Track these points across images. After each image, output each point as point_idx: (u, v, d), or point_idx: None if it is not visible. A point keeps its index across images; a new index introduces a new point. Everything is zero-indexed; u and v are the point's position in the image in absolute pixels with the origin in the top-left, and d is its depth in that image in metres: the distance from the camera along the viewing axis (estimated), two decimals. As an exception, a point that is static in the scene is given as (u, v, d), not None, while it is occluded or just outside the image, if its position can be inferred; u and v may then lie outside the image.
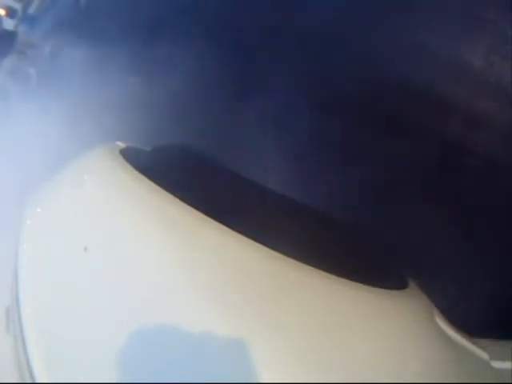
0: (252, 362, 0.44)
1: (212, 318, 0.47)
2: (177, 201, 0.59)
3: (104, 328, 0.49)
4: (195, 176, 0.66)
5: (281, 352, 0.46)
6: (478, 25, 1.04)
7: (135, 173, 0.65)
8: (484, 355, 0.69)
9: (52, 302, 0.55)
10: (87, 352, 0.49)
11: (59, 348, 0.51)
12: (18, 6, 5.19)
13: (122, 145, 0.83)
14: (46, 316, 0.54)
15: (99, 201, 0.62)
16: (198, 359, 0.45)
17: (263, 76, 1.64)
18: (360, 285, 0.57)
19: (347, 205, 1.00)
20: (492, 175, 1.00)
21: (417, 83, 1.15)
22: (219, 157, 0.85)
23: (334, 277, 0.56)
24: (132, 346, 0.48)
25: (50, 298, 0.55)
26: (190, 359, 0.46)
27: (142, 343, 0.48)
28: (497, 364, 0.68)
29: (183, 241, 0.55)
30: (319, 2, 1.49)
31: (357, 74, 1.26)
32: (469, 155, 1.04)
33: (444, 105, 1.08)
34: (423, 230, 1.04)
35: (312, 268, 0.55)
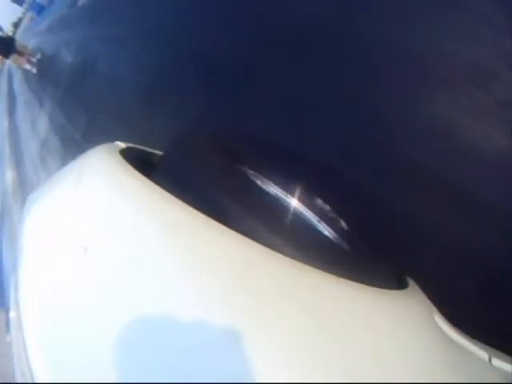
0: (250, 362, 0.44)
1: (212, 317, 0.47)
2: (177, 201, 0.59)
3: (105, 328, 0.49)
4: (195, 176, 0.66)
5: (279, 352, 0.46)
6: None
7: (135, 173, 0.65)
8: (484, 355, 0.69)
9: (52, 302, 0.55)
10: (88, 352, 0.49)
11: (59, 348, 0.51)
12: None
13: (122, 145, 0.83)
14: (46, 316, 0.54)
15: (99, 201, 0.62)
16: (199, 360, 0.45)
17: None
18: (360, 285, 0.57)
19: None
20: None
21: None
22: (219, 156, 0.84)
23: (333, 277, 0.55)
24: (133, 346, 0.48)
25: (50, 298, 0.55)
26: (191, 359, 0.46)
27: (144, 343, 0.48)
28: (497, 364, 0.68)
29: (184, 241, 0.55)
30: None
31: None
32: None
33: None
34: (423, 229, 1.05)
35: (311, 268, 0.55)
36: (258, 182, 0.77)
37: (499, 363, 0.68)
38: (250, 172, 0.81)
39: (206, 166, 0.73)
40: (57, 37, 7.30)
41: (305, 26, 1.57)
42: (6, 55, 7.44)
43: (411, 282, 0.75)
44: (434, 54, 1.13)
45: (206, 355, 0.45)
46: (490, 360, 0.68)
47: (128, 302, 0.50)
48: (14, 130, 7.41)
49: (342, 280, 0.56)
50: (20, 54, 7.46)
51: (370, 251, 0.69)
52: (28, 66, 7.58)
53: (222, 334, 0.45)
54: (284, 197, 0.74)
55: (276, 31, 1.73)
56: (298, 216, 0.67)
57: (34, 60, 7.57)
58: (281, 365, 0.45)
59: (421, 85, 1.15)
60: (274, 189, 0.75)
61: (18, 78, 10.20)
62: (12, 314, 0.58)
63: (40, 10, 11.89)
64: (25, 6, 14.87)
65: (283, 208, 0.69)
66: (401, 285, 0.70)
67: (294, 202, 0.76)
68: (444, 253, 0.99)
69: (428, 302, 0.71)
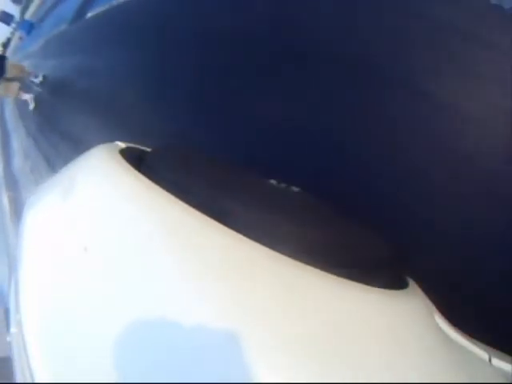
0: (250, 362, 0.44)
1: (211, 316, 0.47)
2: (177, 201, 0.59)
3: (104, 328, 0.49)
4: (195, 176, 0.66)
5: (279, 352, 0.46)
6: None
7: (135, 173, 0.65)
8: (484, 355, 0.69)
9: (52, 303, 0.55)
10: (87, 352, 0.49)
11: (59, 348, 0.51)
12: (14, 12, 4.49)
13: (122, 145, 0.83)
14: (46, 316, 0.54)
15: (99, 201, 0.62)
16: (200, 359, 0.45)
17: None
18: (360, 285, 0.57)
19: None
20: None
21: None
22: (219, 156, 0.84)
23: (333, 276, 0.56)
24: (133, 345, 0.48)
25: (50, 298, 0.55)
26: (191, 359, 0.46)
27: (143, 343, 0.48)
28: (497, 364, 0.68)
29: (183, 241, 0.55)
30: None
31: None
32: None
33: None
34: (424, 228, 1.05)
35: (312, 268, 0.55)
36: (257, 182, 0.77)
37: (499, 363, 0.68)
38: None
39: (205, 165, 0.73)
40: (60, 61, 5.32)
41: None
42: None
43: (411, 282, 0.75)
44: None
45: (206, 356, 0.45)
46: (489, 360, 0.68)
47: (127, 302, 0.50)
48: (13, 185, 4.92)
49: (343, 280, 0.56)
50: (12, 79, 4.89)
51: (370, 251, 0.69)
52: (26, 96, 5.31)
53: (221, 335, 0.45)
54: (284, 194, 0.74)
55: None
56: (298, 214, 0.67)
57: (36, 80, 5.38)
58: (280, 364, 0.45)
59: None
60: (272, 187, 0.75)
61: (10, 107, 7.63)
62: (12, 314, 0.58)
63: (30, 28, 11.06)
64: (13, 25, 14.01)
65: (284, 206, 0.69)
66: (401, 285, 0.70)
67: (296, 199, 0.76)
68: (444, 253, 1.00)
69: (428, 302, 0.71)
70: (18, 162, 5.38)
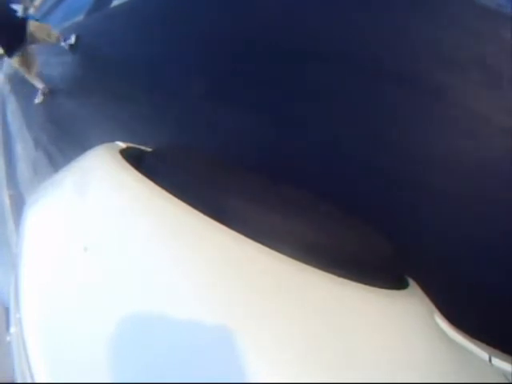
0: (249, 362, 0.44)
1: (210, 316, 0.47)
2: (177, 201, 0.59)
3: (104, 328, 0.49)
4: (195, 176, 0.66)
5: (279, 352, 0.46)
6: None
7: (135, 173, 0.65)
8: (484, 355, 0.69)
9: (52, 302, 0.55)
10: (87, 351, 0.49)
11: (59, 348, 0.51)
12: (17, 8, 4.02)
13: (122, 145, 0.83)
14: (46, 316, 0.54)
15: (99, 201, 0.62)
16: (199, 359, 0.45)
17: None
18: (360, 285, 0.57)
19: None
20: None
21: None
22: (219, 156, 0.84)
23: (333, 277, 0.56)
24: (133, 345, 0.48)
25: (50, 298, 0.55)
26: (191, 360, 0.46)
27: (143, 343, 0.48)
28: (497, 364, 0.68)
29: (183, 241, 0.55)
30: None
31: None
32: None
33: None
34: (423, 228, 1.05)
35: (312, 268, 0.55)
36: (257, 182, 0.77)
37: (499, 363, 0.68)
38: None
39: (205, 165, 0.73)
40: (75, 56, 4.27)
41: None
42: (12, 49, 3.76)
43: (411, 282, 0.75)
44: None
45: (205, 355, 0.45)
46: (490, 360, 0.68)
47: (127, 302, 0.50)
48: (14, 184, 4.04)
49: (343, 280, 0.56)
50: (36, 41, 3.87)
51: (370, 251, 0.69)
52: (39, 85, 4.40)
53: (221, 334, 0.45)
54: (284, 194, 0.74)
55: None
56: (298, 215, 0.67)
57: (65, 45, 4.31)
58: (279, 364, 0.45)
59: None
60: (272, 187, 0.75)
61: (12, 107, 5.93)
62: (12, 314, 0.58)
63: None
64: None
65: (284, 207, 0.68)
66: (401, 285, 0.70)
67: (296, 199, 0.75)
68: (444, 253, 1.00)
69: (428, 302, 0.71)
70: (21, 166, 4.49)
